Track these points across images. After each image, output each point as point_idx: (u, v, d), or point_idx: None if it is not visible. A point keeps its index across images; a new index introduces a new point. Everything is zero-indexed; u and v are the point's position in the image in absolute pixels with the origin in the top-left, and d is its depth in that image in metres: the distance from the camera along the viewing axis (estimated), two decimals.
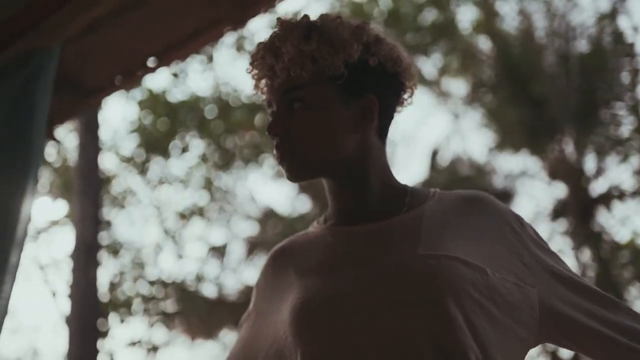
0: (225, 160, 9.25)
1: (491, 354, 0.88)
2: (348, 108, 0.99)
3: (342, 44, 0.98)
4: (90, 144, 6.32)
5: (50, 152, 8.73)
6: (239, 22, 2.31)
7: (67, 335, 6.03)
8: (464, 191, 1.03)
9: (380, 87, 1.01)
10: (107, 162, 8.91)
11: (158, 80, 10.45)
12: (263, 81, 1.03)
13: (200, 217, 9.39)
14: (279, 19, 1.01)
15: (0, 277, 1.49)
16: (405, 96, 1.06)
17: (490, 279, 0.91)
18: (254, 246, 9.45)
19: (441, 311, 0.87)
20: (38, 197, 9.13)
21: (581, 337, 0.94)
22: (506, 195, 9.54)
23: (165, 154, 9.04)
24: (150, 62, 2.39)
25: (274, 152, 1.01)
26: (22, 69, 1.72)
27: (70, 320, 6.07)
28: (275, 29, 1.01)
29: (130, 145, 9.06)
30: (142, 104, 8.71)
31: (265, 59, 1.00)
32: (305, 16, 1.02)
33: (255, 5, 2.16)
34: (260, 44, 1.02)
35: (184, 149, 9.06)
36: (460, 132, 9.95)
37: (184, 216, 9.20)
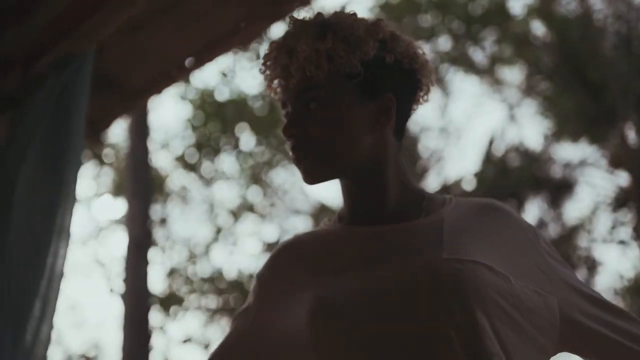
0: (276, 156, 9.30)
1: None
2: (365, 107, 0.97)
3: (358, 42, 0.96)
4: (140, 144, 6.45)
5: (108, 152, 8.98)
6: (273, 19, 2.30)
7: (122, 331, 6.20)
8: (481, 199, 1.03)
9: (396, 85, 0.99)
10: (159, 160, 9.11)
11: (208, 78, 10.59)
12: (276, 82, 1.01)
13: (252, 214, 9.48)
14: (291, 17, 0.99)
15: (46, 282, 1.52)
16: (422, 94, 1.03)
17: (513, 286, 0.91)
18: None
19: (469, 317, 0.87)
20: (96, 197, 9.42)
21: (598, 345, 0.96)
22: (566, 185, 9.27)
23: (216, 151, 9.16)
24: (188, 62, 2.40)
25: (291, 154, 0.99)
26: (59, 74, 1.75)
27: (124, 317, 6.23)
28: (289, 28, 0.99)
29: (182, 143, 9.22)
30: (193, 103, 8.85)
31: (278, 58, 0.98)
32: (319, 14, 0.99)
33: (289, 1, 2.14)
34: (272, 43, 0.99)
35: (235, 146, 9.15)
36: (515, 122, 9.70)
37: (236, 213, 9.31)
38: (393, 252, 0.94)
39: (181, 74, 2.47)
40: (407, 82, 1.00)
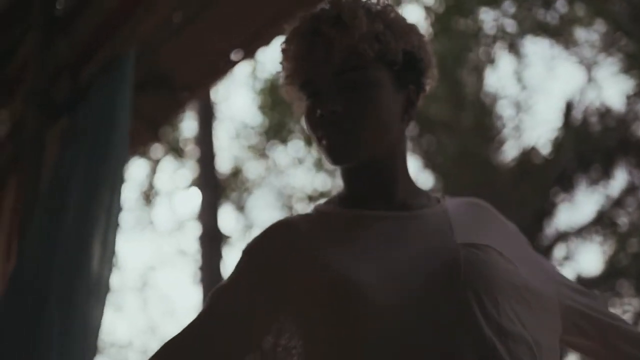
0: None
1: (540, 342, 0.89)
2: (397, 97, 0.99)
3: (402, 32, 0.99)
4: (206, 136, 6.61)
5: (184, 146, 9.24)
6: (316, 2, 2.29)
7: None
8: (469, 197, 1.06)
9: (417, 79, 1.02)
10: (232, 150, 9.28)
11: (273, 67, 10.64)
12: (306, 55, 0.98)
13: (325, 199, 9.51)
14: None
15: (95, 281, 1.58)
16: (426, 90, 1.06)
17: (520, 271, 0.93)
18: None
19: (492, 298, 0.88)
20: (178, 190, 9.72)
21: (587, 326, 0.99)
22: None
23: (286, 139, 9.24)
24: (235, 54, 2.43)
25: (318, 131, 0.97)
26: (104, 78, 1.81)
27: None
28: (335, 4, 0.98)
29: (251, 132, 9.36)
30: (260, 93, 8.95)
31: (322, 33, 0.96)
32: None
33: None
34: (314, 17, 0.98)
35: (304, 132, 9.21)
36: (595, 83, 9.23)
37: (310, 199, 9.38)
38: (409, 236, 0.94)
39: (229, 66, 2.51)
40: (423, 77, 1.02)
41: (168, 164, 9.56)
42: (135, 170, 9.32)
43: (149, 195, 9.73)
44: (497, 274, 0.89)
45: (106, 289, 1.63)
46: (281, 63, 1.02)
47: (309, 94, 0.98)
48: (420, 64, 1.01)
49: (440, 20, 7.78)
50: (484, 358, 0.84)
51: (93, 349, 1.59)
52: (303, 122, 1.02)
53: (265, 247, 0.98)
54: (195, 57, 2.43)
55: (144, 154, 8.99)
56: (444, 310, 0.87)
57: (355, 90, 0.96)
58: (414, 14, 8.03)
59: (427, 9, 7.81)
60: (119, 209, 1.70)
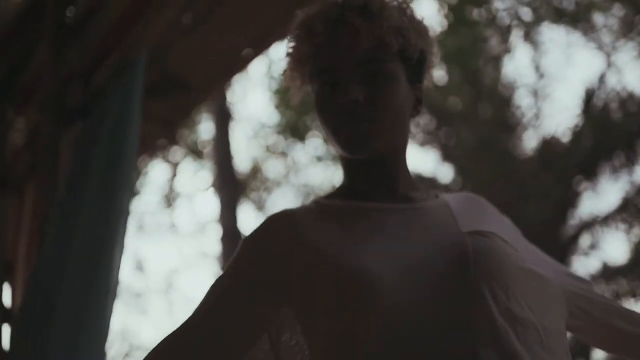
0: None
1: (548, 327, 0.89)
2: (410, 92, 1.00)
3: (421, 29, 1.00)
4: (223, 136, 6.63)
5: (203, 147, 9.30)
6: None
7: None
8: (464, 193, 1.08)
9: (424, 76, 1.04)
10: (250, 149, 9.31)
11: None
12: (325, 41, 0.96)
13: None
14: None
15: (103, 296, 1.60)
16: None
17: (524, 257, 0.94)
18: None
19: (504, 284, 0.88)
20: (199, 192, 9.77)
21: (590, 308, 1.01)
22: None
23: (304, 137, 9.25)
24: (246, 53, 2.44)
25: (336, 120, 0.96)
26: (115, 82, 1.83)
27: None
28: None
29: (269, 132, 9.39)
30: (276, 92, 8.97)
31: (348, 21, 0.95)
32: None
33: None
34: (338, 4, 0.97)
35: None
36: (615, 69, 9.09)
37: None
38: (416, 228, 0.94)
39: (242, 65, 2.51)
40: (426, 76, 1.04)
41: (188, 166, 9.63)
42: (156, 173, 9.40)
43: (170, 199, 9.81)
44: (505, 259, 0.89)
45: (115, 292, 1.65)
46: (293, 47, 0.99)
47: (325, 82, 0.97)
48: (429, 63, 1.02)
49: (455, 11, 7.72)
50: (496, 344, 0.83)
51: (103, 350, 1.62)
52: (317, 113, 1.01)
53: (268, 239, 0.96)
54: (207, 58, 2.44)
55: (163, 157, 9.07)
56: (456, 298, 0.86)
57: (375, 82, 0.95)
58: (428, 7, 8.00)
59: (440, 0, 7.76)
60: (129, 212, 1.72)
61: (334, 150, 1.02)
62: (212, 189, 9.58)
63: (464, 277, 0.87)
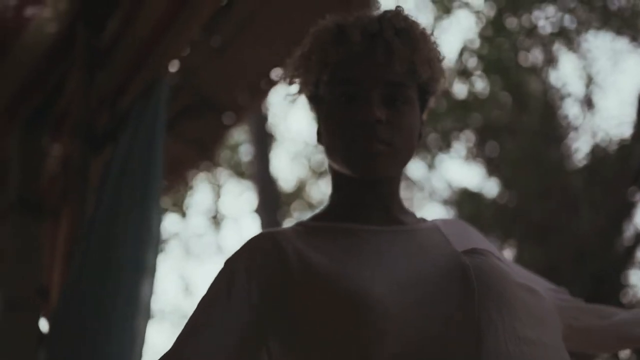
0: None
1: (547, 343, 0.87)
2: (420, 118, 1.00)
3: (440, 62, 1.00)
4: (263, 156, 6.64)
5: (247, 169, 9.37)
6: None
7: None
8: (446, 217, 1.09)
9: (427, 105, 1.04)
10: (294, 170, 9.33)
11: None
12: (358, 53, 0.94)
13: None
14: (401, 9, 0.98)
15: (131, 306, 1.61)
16: None
17: (516, 271, 0.94)
18: None
19: (504, 301, 0.86)
20: (245, 213, 9.82)
21: (577, 318, 1.03)
22: None
23: None
24: (274, 73, 2.44)
25: (354, 134, 0.92)
26: (140, 105, 1.85)
27: None
28: (401, 16, 0.97)
29: (313, 150, 9.39)
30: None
31: (385, 39, 0.94)
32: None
33: (361, 6, 2.10)
34: (377, 18, 0.96)
35: None
36: None
37: None
38: (412, 249, 0.92)
39: (271, 85, 2.52)
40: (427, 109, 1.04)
41: (232, 187, 9.71)
42: (202, 195, 9.51)
43: (216, 220, 9.91)
44: (504, 276, 0.88)
45: (148, 313, 1.65)
46: (321, 47, 0.96)
47: (344, 92, 0.94)
48: (434, 98, 1.03)
49: (493, 23, 7.62)
50: None
51: None
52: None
53: (257, 262, 0.90)
54: (236, 79, 2.46)
55: (208, 179, 9.19)
56: (460, 318, 0.83)
57: (395, 105, 0.94)
58: (465, 18, 7.91)
59: (478, 12, 7.67)
60: (159, 233, 1.72)
61: (333, 164, 0.99)
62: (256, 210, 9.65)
63: (468, 296, 0.84)
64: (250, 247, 0.92)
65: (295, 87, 1.02)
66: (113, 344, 1.57)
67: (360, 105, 0.93)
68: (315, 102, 1.01)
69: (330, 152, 0.97)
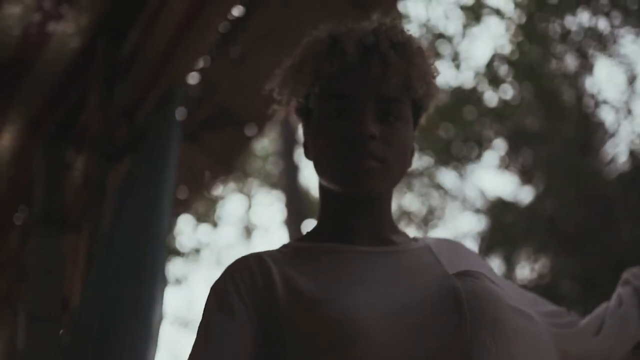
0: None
1: None
2: (412, 135, 0.97)
3: (435, 76, 0.97)
4: (290, 166, 6.63)
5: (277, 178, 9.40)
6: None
7: None
8: (438, 237, 1.03)
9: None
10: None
11: None
12: (354, 66, 0.90)
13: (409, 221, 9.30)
14: (398, 22, 0.96)
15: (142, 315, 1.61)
16: None
17: (509, 294, 0.91)
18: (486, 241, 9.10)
19: (498, 325, 0.83)
20: (276, 224, 9.85)
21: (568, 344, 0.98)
22: None
23: None
24: None
25: (348, 151, 0.89)
26: (156, 117, 1.86)
27: None
28: (398, 29, 0.94)
29: None
30: None
31: (382, 51, 0.90)
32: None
33: (376, 7, 2.08)
34: (374, 29, 0.93)
35: None
36: None
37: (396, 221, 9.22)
38: (402, 270, 0.88)
39: None
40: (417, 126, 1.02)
41: (263, 197, 9.74)
42: (233, 205, 9.56)
43: (248, 230, 9.95)
44: (497, 299, 0.85)
45: (159, 328, 1.65)
46: (313, 59, 0.92)
47: (336, 106, 0.91)
48: (425, 115, 1.00)
49: (524, 29, 7.51)
50: None
51: None
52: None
53: (243, 280, 0.86)
54: (257, 89, 2.44)
55: (238, 189, 9.24)
56: (450, 344, 0.80)
57: (389, 121, 0.91)
58: (495, 28, 7.82)
59: (509, 19, 7.57)
60: (166, 246, 1.73)
61: (323, 180, 0.95)
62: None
63: (459, 321, 0.81)
64: (238, 268, 0.89)
65: (283, 99, 0.99)
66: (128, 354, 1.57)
67: (352, 120, 0.89)
68: (305, 115, 0.97)
69: (319, 168, 0.94)
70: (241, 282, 0.86)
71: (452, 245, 0.98)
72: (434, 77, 0.96)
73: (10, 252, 2.85)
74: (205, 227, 9.23)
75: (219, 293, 0.87)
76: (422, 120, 1.01)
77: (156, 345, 1.63)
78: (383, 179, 0.90)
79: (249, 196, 9.53)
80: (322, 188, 0.96)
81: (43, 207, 2.22)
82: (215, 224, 9.24)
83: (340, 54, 0.91)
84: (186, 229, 9.03)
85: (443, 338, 0.80)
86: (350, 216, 0.93)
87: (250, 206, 9.65)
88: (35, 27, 2.22)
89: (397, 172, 0.93)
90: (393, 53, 0.91)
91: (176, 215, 3.31)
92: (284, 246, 0.95)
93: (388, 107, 0.91)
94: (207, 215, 8.91)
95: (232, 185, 8.83)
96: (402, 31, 0.94)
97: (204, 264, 9.88)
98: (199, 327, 0.86)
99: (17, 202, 2.90)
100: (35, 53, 2.23)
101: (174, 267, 9.12)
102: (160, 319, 1.66)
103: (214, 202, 8.63)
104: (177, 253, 8.77)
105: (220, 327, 0.84)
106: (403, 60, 0.91)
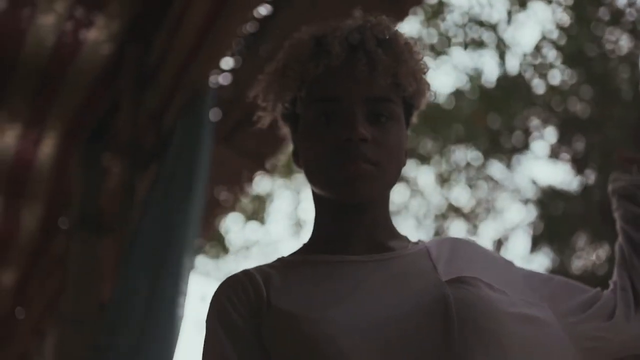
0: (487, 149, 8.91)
1: None
2: (405, 134, 0.93)
3: (425, 72, 0.93)
4: None
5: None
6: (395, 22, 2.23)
7: None
8: (446, 236, 0.95)
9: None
10: None
11: None
12: (340, 67, 0.86)
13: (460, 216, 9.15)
14: (383, 19, 0.91)
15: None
16: None
17: (512, 299, 0.85)
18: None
19: (490, 333, 0.79)
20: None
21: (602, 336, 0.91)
22: None
23: (428, 159, 9.04)
24: None
25: (340, 156, 0.85)
26: (183, 121, 1.87)
27: None
28: (383, 25, 0.90)
29: None
30: None
31: (368, 50, 0.86)
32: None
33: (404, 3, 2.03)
34: (359, 27, 0.89)
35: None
36: None
37: (444, 216, 9.08)
38: (392, 281, 0.85)
39: None
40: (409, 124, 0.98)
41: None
42: (282, 202, 9.61)
43: (297, 226, 10.00)
44: (491, 307, 0.81)
45: (179, 329, 1.67)
46: (297, 62, 0.88)
47: (324, 110, 0.87)
48: (416, 111, 0.96)
49: (572, 12, 7.26)
50: None
51: None
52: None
53: (237, 295, 0.85)
54: None
55: (286, 185, 9.28)
56: (436, 356, 0.77)
57: (380, 122, 0.87)
58: (541, 13, 7.59)
59: (556, 2, 7.34)
60: (193, 248, 1.74)
61: (314, 187, 0.91)
62: None
63: (446, 332, 0.77)
64: (231, 286, 0.87)
65: (269, 105, 0.95)
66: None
67: (342, 123, 0.86)
68: (292, 121, 0.93)
69: (310, 175, 0.90)
70: (235, 297, 0.85)
71: (455, 246, 0.93)
72: (424, 73, 0.92)
73: (55, 257, 2.92)
74: (254, 225, 9.32)
75: (220, 315, 0.85)
76: (414, 119, 0.96)
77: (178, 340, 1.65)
78: (377, 182, 0.87)
79: (297, 192, 9.56)
80: (315, 196, 0.93)
81: (80, 212, 2.26)
82: (262, 222, 9.31)
83: (325, 54, 0.87)
84: (235, 228, 9.14)
85: (427, 351, 0.76)
86: (344, 223, 0.90)
87: (298, 202, 9.69)
88: (68, 35, 2.26)
89: (391, 174, 0.89)
90: (380, 51, 0.86)
91: (216, 215, 3.33)
92: (277, 260, 0.92)
93: (378, 108, 0.87)
94: (256, 213, 8.98)
95: (280, 182, 8.88)
96: (388, 27, 0.90)
97: (254, 261, 9.99)
98: (206, 349, 0.85)
99: (62, 207, 2.98)
100: (69, 61, 2.27)
101: (224, 264, 9.25)
102: (181, 320, 1.68)
103: (262, 200, 8.68)
104: (227, 250, 8.89)
105: (230, 345, 0.82)
106: (390, 58, 0.87)
